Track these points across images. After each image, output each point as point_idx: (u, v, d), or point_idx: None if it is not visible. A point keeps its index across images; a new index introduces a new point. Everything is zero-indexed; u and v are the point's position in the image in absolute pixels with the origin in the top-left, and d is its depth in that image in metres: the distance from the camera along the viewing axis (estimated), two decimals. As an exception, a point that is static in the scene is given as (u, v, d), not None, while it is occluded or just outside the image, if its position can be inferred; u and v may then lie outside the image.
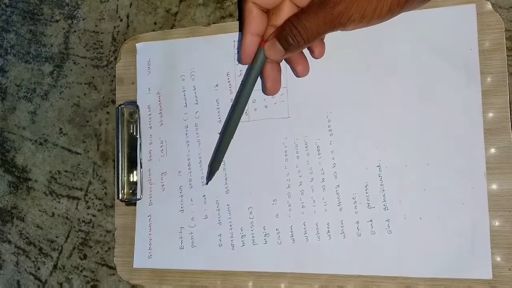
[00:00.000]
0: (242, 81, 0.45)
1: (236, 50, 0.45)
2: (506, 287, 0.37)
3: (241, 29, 0.43)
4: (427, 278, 0.39)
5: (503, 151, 0.38)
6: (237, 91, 0.45)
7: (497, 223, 0.38)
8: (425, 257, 0.39)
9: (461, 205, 0.39)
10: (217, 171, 0.43)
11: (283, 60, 0.42)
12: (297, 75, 0.42)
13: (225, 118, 0.45)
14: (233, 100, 0.45)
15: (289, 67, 0.42)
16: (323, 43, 0.40)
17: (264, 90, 0.42)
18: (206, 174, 0.45)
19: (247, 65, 0.42)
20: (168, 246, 0.45)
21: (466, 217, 0.38)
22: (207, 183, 0.44)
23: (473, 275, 0.38)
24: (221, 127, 0.45)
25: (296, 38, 0.36)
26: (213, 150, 0.45)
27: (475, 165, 0.39)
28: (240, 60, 0.40)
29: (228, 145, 0.42)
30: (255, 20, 0.37)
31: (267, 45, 0.38)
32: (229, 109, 0.45)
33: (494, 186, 0.38)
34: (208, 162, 0.45)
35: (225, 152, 0.42)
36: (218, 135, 0.45)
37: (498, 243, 0.38)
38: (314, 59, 0.41)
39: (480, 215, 0.38)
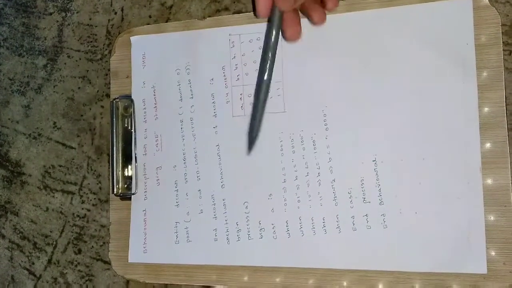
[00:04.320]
0: (265, 35, 0.43)
1: (232, 44, 0.45)
2: (501, 281, 0.38)
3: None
4: (422, 273, 0.39)
5: (498, 146, 0.38)
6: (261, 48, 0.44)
7: (492, 218, 0.38)
8: (420, 251, 0.39)
9: (456, 199, 0.39)
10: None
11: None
12: (314, 23, 0.41)
13: (220, 113, 0.45)
14: (228, 94, 0.44)
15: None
16: None
17: (285, 38, 0.41)
18: (247, 144, 0.44)
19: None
20: (163, 240, 0.45)
21: (461, 212, 0.38)
22: (249, 153, 0.43)
23: (468, 269, 0.38)
24: (216, 122, 0.45)
25: None
26: (249, 118, 0.44)
27: (470, 159, 0.39)
28: (256, 14, 0.39)
29: (264, 108, 0.40)
30: None
31: None
32: (223, 103, 0.44)
33: (489, 181, 0.38)
34: (247, 131, 0.44)
35: (262, 116, 0.40)
36: (214, 129, 0.45)
37: (493, 238, 0.38)
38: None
39: (476, 209, 0.38)
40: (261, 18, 0.40)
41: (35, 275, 0.50)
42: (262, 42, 0.44)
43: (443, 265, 0.38)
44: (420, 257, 0.39)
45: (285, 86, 0.43)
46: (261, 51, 0.44)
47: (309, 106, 0.42)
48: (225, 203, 0.44)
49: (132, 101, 0.47)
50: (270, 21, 0.39)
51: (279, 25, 0.38)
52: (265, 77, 0.39)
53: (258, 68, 0.44)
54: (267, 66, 0.39)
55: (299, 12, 0.41)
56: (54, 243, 0.49)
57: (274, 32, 0.38)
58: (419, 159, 0.40)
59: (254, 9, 0.44)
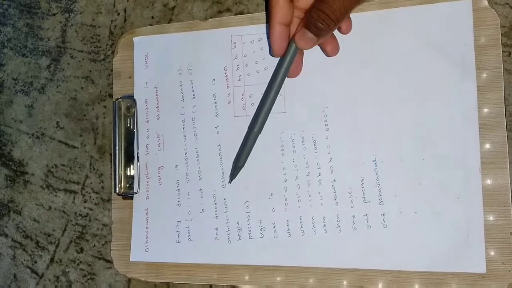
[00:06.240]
0: (275, 70, 0.42)
1: (233, 45, 0.45)
2: (500, 281, 0.38)
3: (267, 20, 0.44)
4: (421, 272, 0.39)
5: (497, 146, 0.39)
6: (268, 82, 0.44)
7: (491, 218, 0.38)
8: (420, 251, 0.39)
9: (456, 199, 0.39)
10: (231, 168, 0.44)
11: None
12: (327, 55, 0.41)
13: (222, 113, 0.45)
14: (230, 95, 0.45)
15: (319, 48, 0.42)
16: (349, 17, 0.40)
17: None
18: (230, 171, 0.44)
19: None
20: (165, 239, 0.45)
21: (460, 212, 0.39)
22: (230, 181, 0.44)
23: (467, 269, 0.38)
24: (218, 122, 0.45)
25: (325, 22, 0.35)
26: (239, 146, 0.44)
27: (470, 160, 0.39)
28: (272, 53, 0.39)
29: (255, 141, 0.41)
30: (281, 9, 0.37)
31: (298, 36, 0.37)
32: (225, 103, 0.45)
33: (488, 181, 0.39)
34: (233, 159, 0.44)
35: (252, 148, 0.42)
36: (215, 129, 0.45)
37: (492, 238, 0.38)
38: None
39: (475, 209, 0.38)
40: (276, 57, 0.40)
41: (37, 274, 0.50)
42: (264, 43, 0.44)
43: (442, 264, 0.39)
44: (419, 257, 0.39)
45: (286, 86, 0.43)
46: (262, 52, 0.44)
47: (310, 106, 0.43)
48: (226, 203, 0.44)
49: (134, 101, 0.47)
50: (281, 59, 0.39)
51: (289, 65, 0.39)
52: (266, 111, 0.40)
53: (259, 69, 0.44)
54: (268, 103, 0.40)
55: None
56: (57, 242, 0.50)
57: (283, 70, 0.39)
58: (419, 159, 0.40)
59: (267, 14, 0.44)
